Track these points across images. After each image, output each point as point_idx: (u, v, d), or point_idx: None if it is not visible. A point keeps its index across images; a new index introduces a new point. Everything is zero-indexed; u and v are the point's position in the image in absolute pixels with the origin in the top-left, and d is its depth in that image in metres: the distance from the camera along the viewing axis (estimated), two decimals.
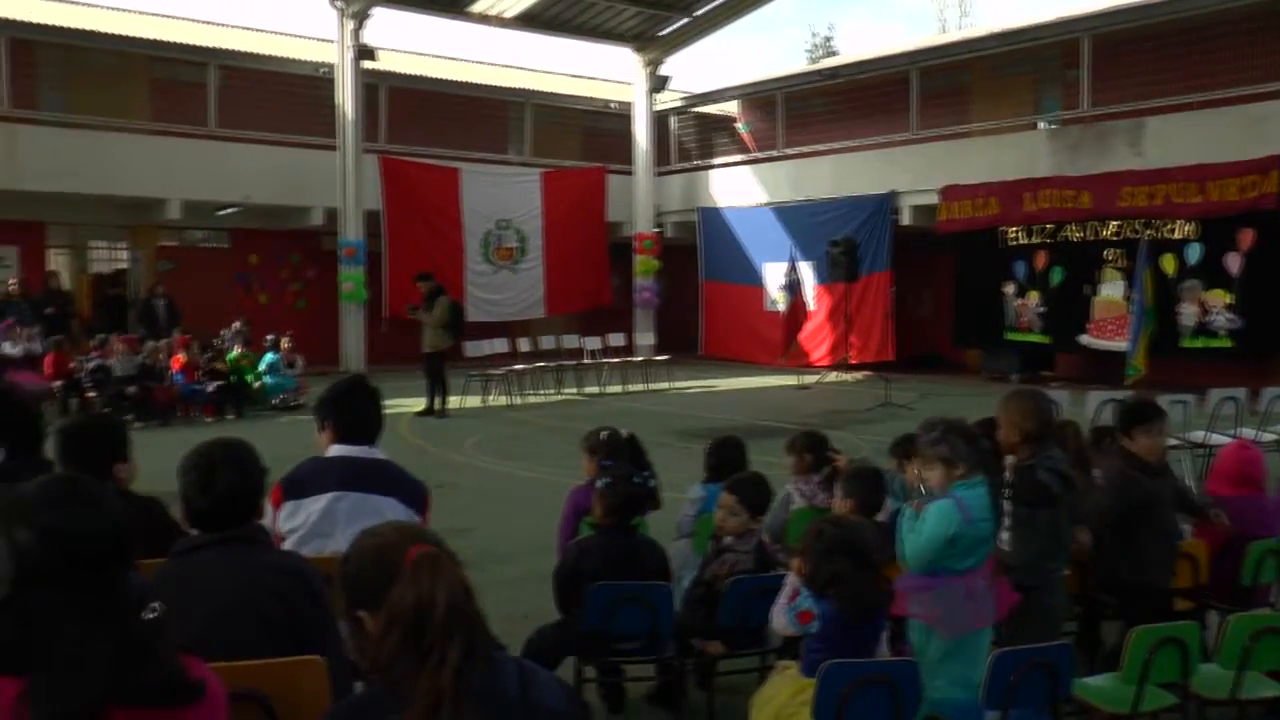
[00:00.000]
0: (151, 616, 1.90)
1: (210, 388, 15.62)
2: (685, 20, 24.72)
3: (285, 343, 16.99)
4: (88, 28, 20.43)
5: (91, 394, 14.92)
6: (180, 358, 15.72)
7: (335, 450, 3.86)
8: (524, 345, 19.57)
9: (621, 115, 26.01)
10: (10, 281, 17.98)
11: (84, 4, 22.51)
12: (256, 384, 16.40)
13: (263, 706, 2.64)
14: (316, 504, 3.71)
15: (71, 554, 1.82)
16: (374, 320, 21.49)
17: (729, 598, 4.48)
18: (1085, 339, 18.71)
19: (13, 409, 3.35)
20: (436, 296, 16.05)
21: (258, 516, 3.02)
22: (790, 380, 19.77)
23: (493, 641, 1.98)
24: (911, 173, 20.87)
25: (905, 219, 21.18)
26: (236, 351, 16.57)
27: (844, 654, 3.40)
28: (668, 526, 5.61)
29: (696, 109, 27.07)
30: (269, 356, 16.67)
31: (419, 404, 15.29)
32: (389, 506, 3.73)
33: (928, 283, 22.68)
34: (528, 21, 24.17)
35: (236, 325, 17.64)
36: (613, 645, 4.51)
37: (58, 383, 15.02)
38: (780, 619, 3.64)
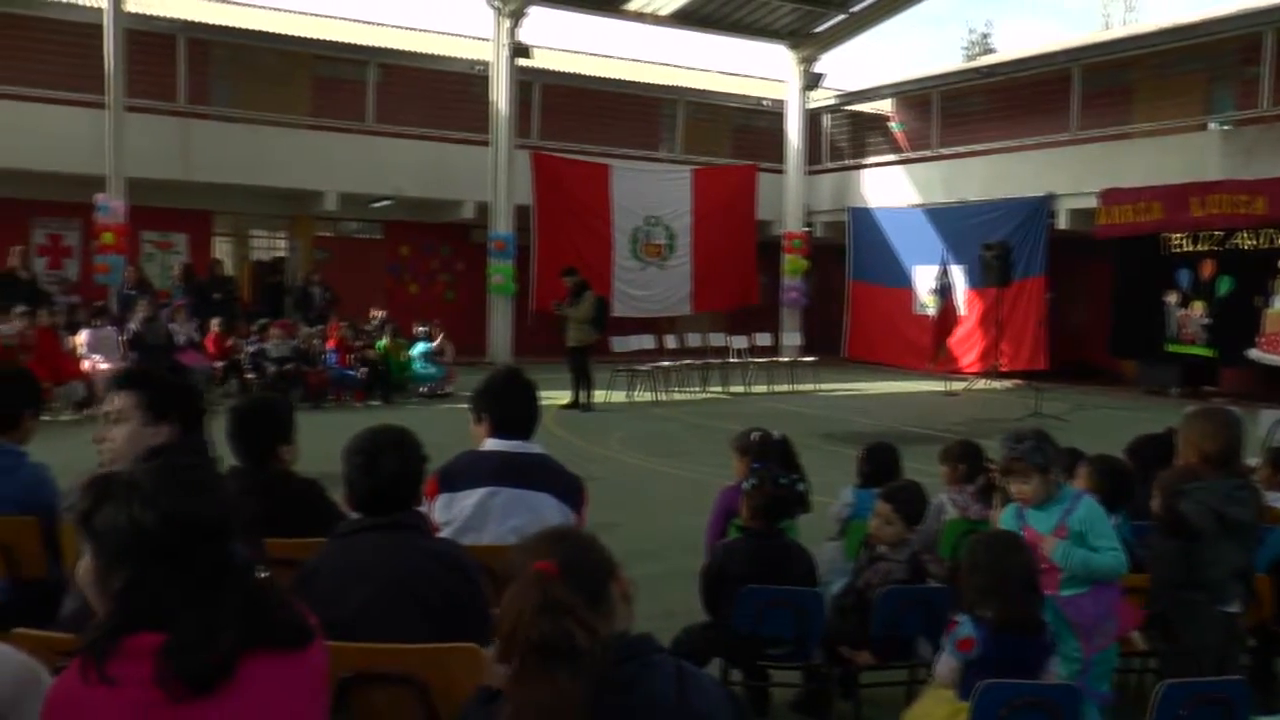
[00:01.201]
0: (264, 576, 2.06)
1: (360, 373, 16.04)
2: (841, 17, 24.38)
3: (437, 332, 17.32)
4: (257, 28, 21.31)
5: (250, 375, 15.48)
6: (335, 339, 16.21)
7: (490, 444, 3.86)
8: (670, 342, 19.58)
9: (773, 113, 25.83)
10: (179, 265, 18.90)
11: (254, 6, 23.37)
12: (405, 371, 16.76)
13: (419, 690, 2.67)
14: (470, 498, 3.72)
15: (187, 532, 1.94)
16: (521, 313, 21.79)
17: (880, 607, 4.37)
18: (1254, 353, 17.77)
19: (180, 389, 3.46)
20: (582, 292, 16.17)
21: (418, 503, 3.06)
22: (938, 386, 19.34)
23: (650, 644, 2.01)
24: (1070, 175, 20.19)
25: (1062, 223, 20.50)
26: (387, 339, 16.97)
27: (1004, 675, 3.26)
28: (816, 531, 5.51)
29: (849, 107, 26.71)
30: (420, 345, 17.02)
31: (564, 397, 15.44)
32: (544, 503, 3.74)
33: (1083, 289, 21.93)
34: (683, 19, 24.16)
35: (381, 314, 18.06)
36: (761, 649, 4.45)
37: (219, 363, 15.64)
38: (944, 665, 3.51)
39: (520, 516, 3.70)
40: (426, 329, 17.32)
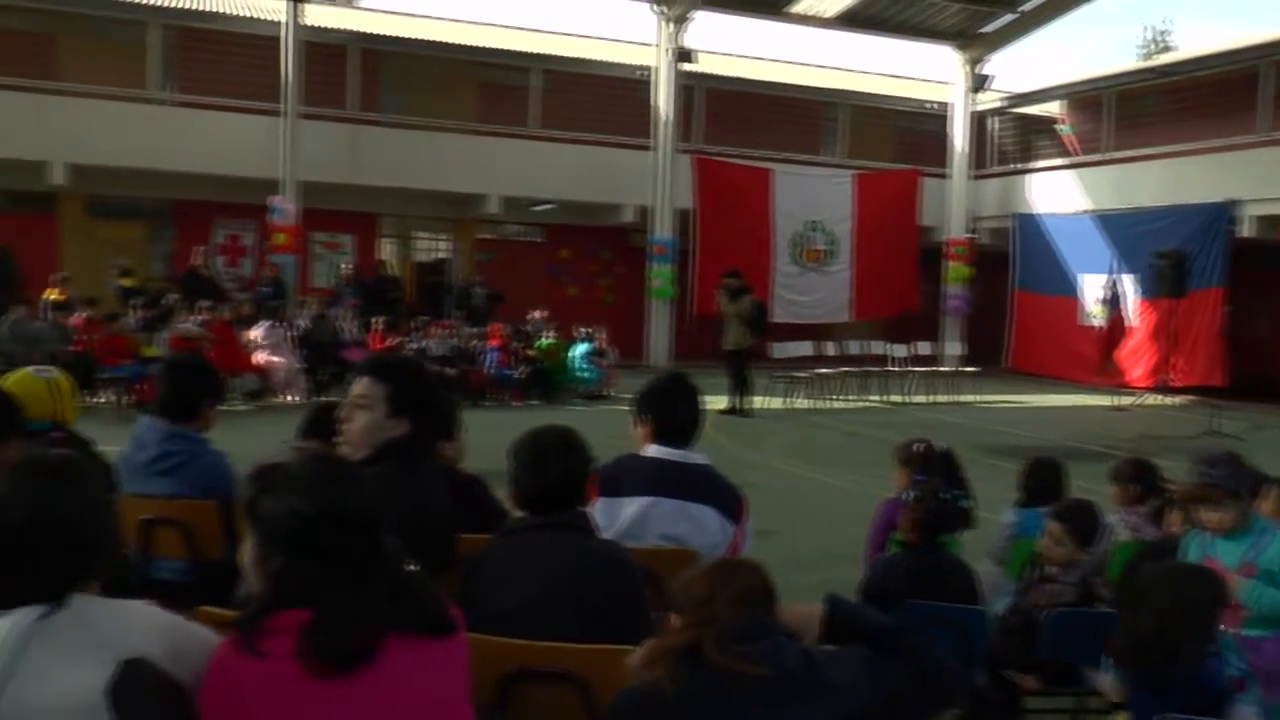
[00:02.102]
0: (412, 568, 2.12)
1: (520, 373, 16.29)
2: (1011, 17, 23.76)
3: (599, 334, 17.47)
4: (425, 38, 21.94)
5: None
6: (498, 339, 16.50)
7: (652, 450, 3.80)
8: (830, 349, 19.39)
9: (938, 116, 25.33)
10: (345, 265, 19.57)
11: (422, 17, 24.07)
12: (565, 373, 16.93)
13: (580, 689, 2.67)
14: (631, 506, 3.67)
15: (340, 524, 2.03)
16: (680, 317, 21.84)
17: (1048, 630, 4.20)
18: None
19: (428, 388, 3.50)
20: (741, 295, 16.10)
21: (584, 503, 3.06)
22: (1105, 400, 18.64)
23: (774, 627, 2.25)
24: (1255, 179, 19.12)
25: (1245, 230, 19.47)
26: (547, 339, 17.18)
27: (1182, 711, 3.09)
28: (978, 548, 5.34)
29: (1017, 109, 25.97)
30: (581, 346, 17.19)
31: (722, 402, 15.40)
32: (705, 515, 3.68)
33: (1268, 301, 20.85)
34: (848, 21, 23.89)
35: (537, 316, 18.30)
36: None
37: None
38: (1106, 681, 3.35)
39: (681, 528, 3.65)
40: (589, 331, 17.48)
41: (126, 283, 17.25)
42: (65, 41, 20.79)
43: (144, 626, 1.97)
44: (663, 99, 21.45)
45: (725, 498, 3.77)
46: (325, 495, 2.05)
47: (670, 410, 3.86)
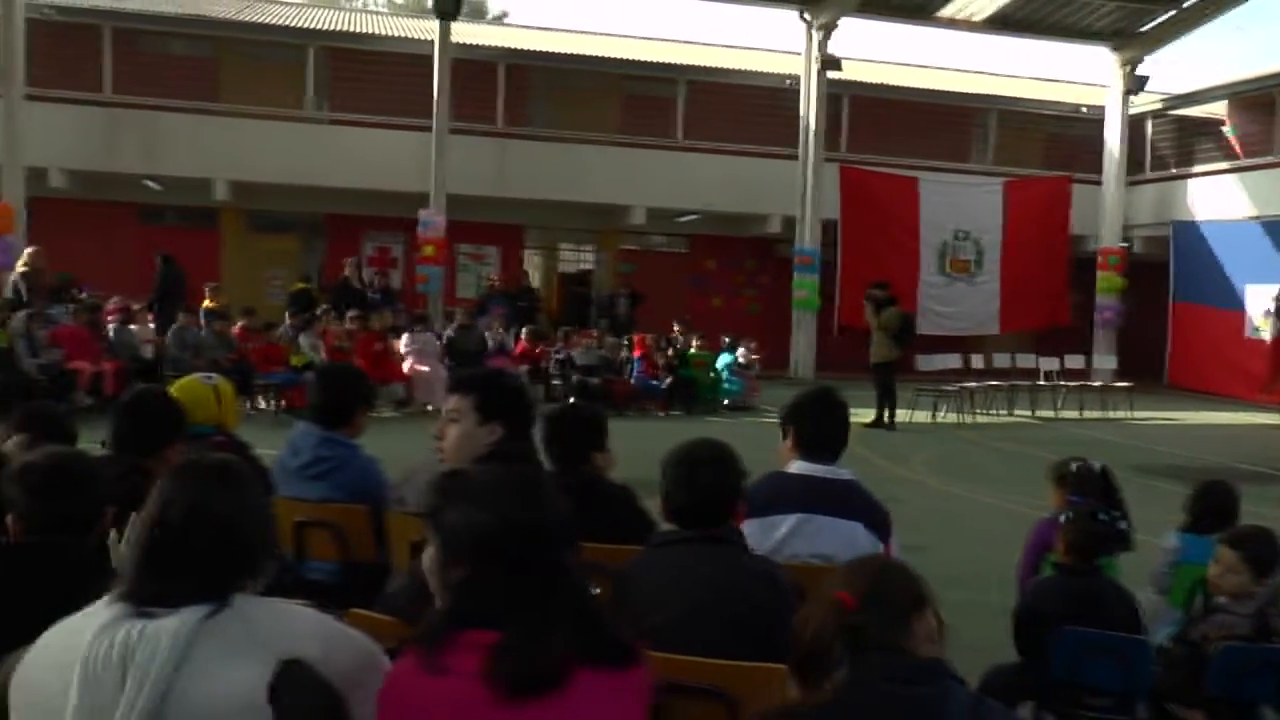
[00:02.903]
0: (596, 593, 2.13)
1: (664, 383, 16.30)
2: (1170, 14, 22.83)
3: (746, 345, 17.37)
4: (571, 52, 22.20)
5: (556, 382, 16.05)
6: (642, 349, 16.56)
7: (798, 466, 3.77)
8: (977, 362, 18.92)
9: (1091, 120, 24.50)
10: (491, 276, 19.93)
11: (568, 31, 24.40)
12: (710, 383, 16.84)
13: (728, 706, 2.63)
14: (782, 525, 3.64)
15: (523, 538, 2.02)
16: (825, 328, 21.62)
17: (1218, 664, 3.98)
18: None
19: (511, 392, 3.61)
20: (887, 306, 15.85)
21: (736, 518, 3.02)
22: (1273, 419, 17.76)
23: (943, 669, 2.00)
24: None
25: None
26: (693, 349, 17.16)
27: None
28: (1136, 572, 5.11)
29: (1175, 111, 24.95)
30: (726, 357, 17.11)
31: (866, 415, 15.14)
32: (855, 531, 3.64)
33: None
34: (998, 23, 23.33)
35: (684, 325, 18.30)
36: (1079, 699, 4.15)
37: (526, 369, 16.28)
38: None
39: (832, 544, 3.61)
40: (735, 341, 17.40)
41: (299, 286, 17.77)
42: (227, 65, 21.76)
43: (303, 628, 2.02)
44: (810, 108, 21.27)
45: (873, 513, 3.73)
46: (508, 508, 2.05)
47: (817, 425, 3.83)
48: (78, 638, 1.90)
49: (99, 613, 1.94)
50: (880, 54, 36.33)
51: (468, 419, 3.39)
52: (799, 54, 21.67)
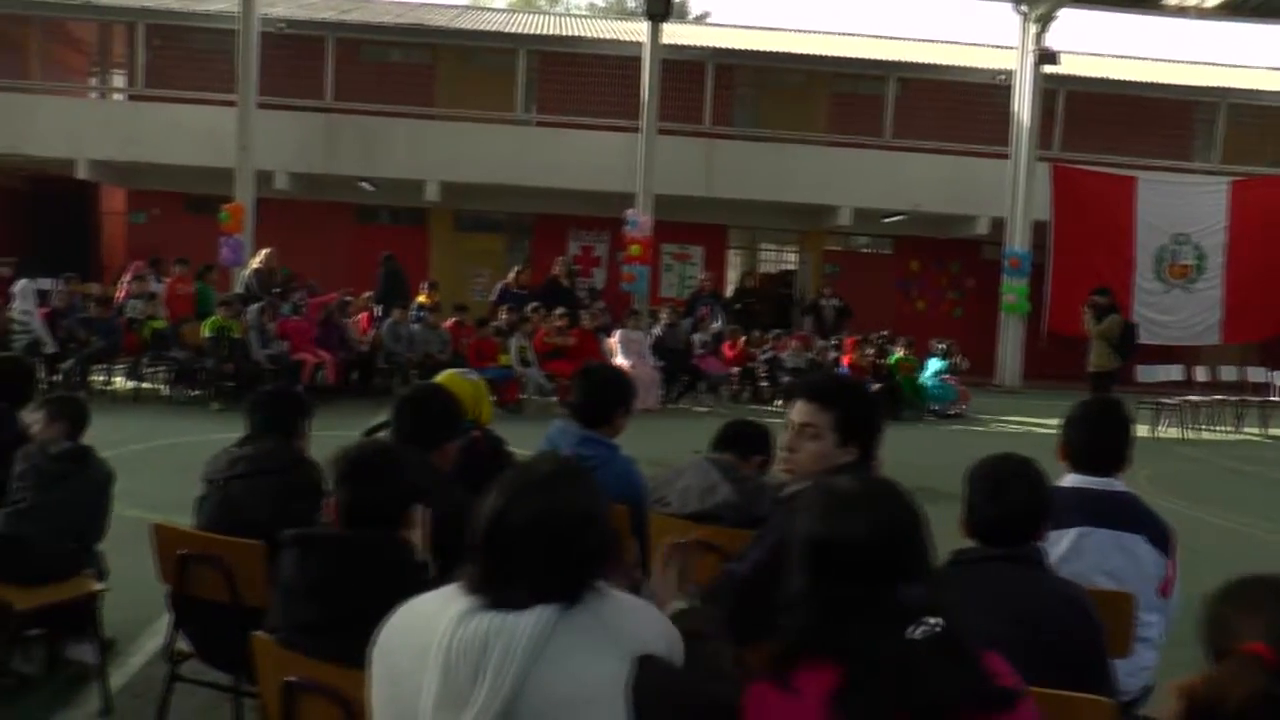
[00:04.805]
0: (936, 630, 1.91)
1: (871, 388, 15.96)
2: None
3: (956, 352, 17.00)
4: (779, 50, 22.02)
5: (764, 383, 15.94)
6: (850, 356, 16.29)
7: (1071, 479, 3.63)
8: (1200, 374, 17.95)
9: None
10: (702, 276, 19.99)
11: (776, 30, 24.23)
12: (917, 389, 16.44)
13: None
14: (1063, 540, 3.50)
15: (838, 553, 1.94)
16: (1033, 334, 20.89)
17: None
18: None
19: (873, 413, 3.32)
20: (1109, 313, 15.18)
21: (1040, 538, 2.87)
22: None
23: None
24: None
25: None
26: (900, 354, 16.82)
27: None
28: None
29: None
30: (934, 362, 16.72)
31: None
32: (1137, 546, 3.50)
33: None
34: (1232, 9, 21.86)
35: (886, 333, 17.95)
36: None
37: (735, 370, 16.25)
38: None
39: (1116, 560, 3.48)
40: (944, 346, 16.99)
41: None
42: (443, 72, 22.48)
43: (652, 625, 2.03)
44: (1023, 104, 20.56)
45: (1155, 528, 3.57)
46: (827, 520, 1.98)
47: (1098, 437, 3.69)
48: (431, 622, 1.95)
49: (451, 600, 1.98)
50: (1098, 47, 34.88)
51: (827, 437, 3.05)
52: (1013, 48, 20.97)
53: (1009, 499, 2.82)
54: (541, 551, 1.95)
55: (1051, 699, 2.52)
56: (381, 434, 4.03)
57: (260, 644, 2.73)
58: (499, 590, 1.94)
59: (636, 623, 2.00)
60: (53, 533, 4.45)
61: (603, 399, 4.27)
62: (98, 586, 4.64)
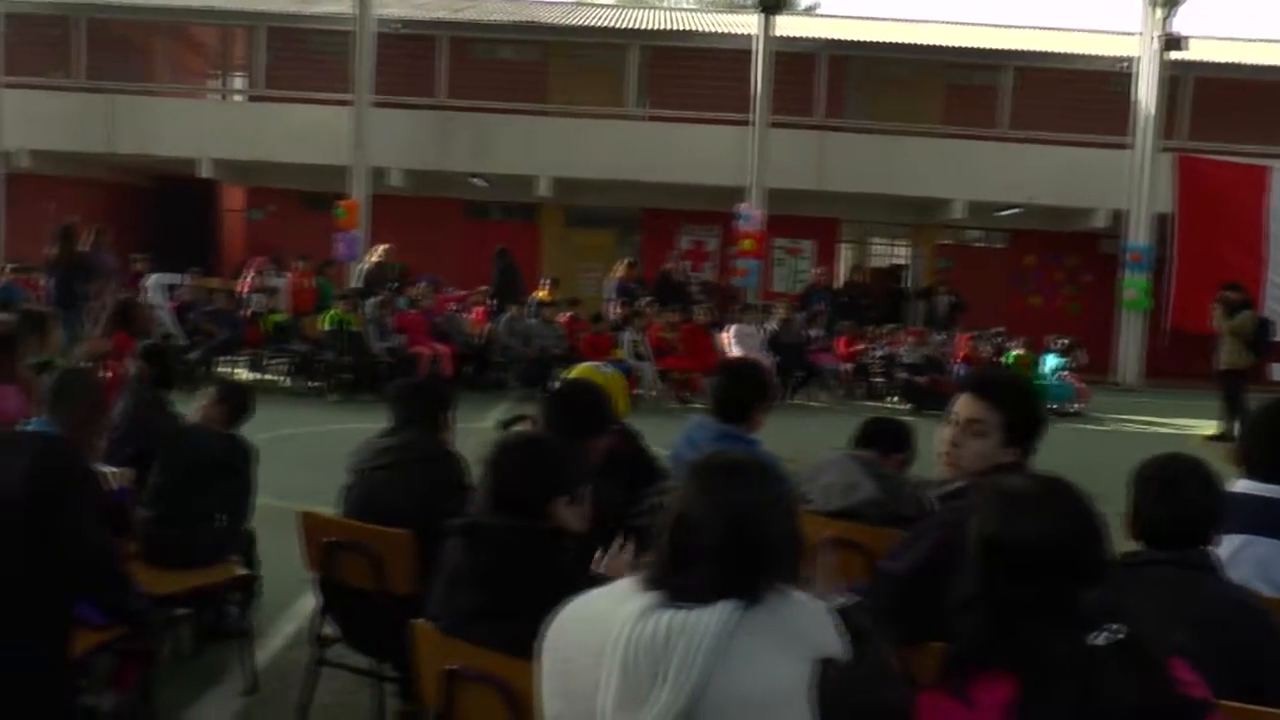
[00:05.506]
0: (1119, 637, 1.86)
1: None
2: None
3: (1075, 348, 16.59)
4: (892, 40, 21.70)
5: (878, 379, 15.76)
6: (964, 352, 16.02)
7: (1243, 485, 3.47)
8: None
9: None
10: (817, 271, 19.87)
11: (889, 20, 23.91)
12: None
13: None
14: (1224, 547, 3.33)
15: (1011, 555, 1.91)
16: (1154, 331, 20.24)
17: None
18: None
19: (1040, 415, 3.22)
20: (1240, 309, 14.65)
21: (1211, 541, 2.75)
22: None
23: None
24: None
25: None
26: (1016, 351, 16.47)
27: None
28: None
29: None
30: (1052, 359, 16.32)
31: (1202, 426, 13.95)
32: None
33: None
34: None
35: (1003, 329, 17.60)
36: None
37: (848, 365, 16.08)
38: None
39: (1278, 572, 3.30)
40: (1065, 343, 16.58)
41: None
42: (554, 68, 22.65)
43: (831, 628, 2.00)
44: (1147, 92, 19.90)
45: None
46: (1004, 521, 1.95)
47: (1267, 442, 3.51)
48: (605, 618, 1.94)
49: (627, 597, 1.97)
50: (1228, 30, 33.72)
51: (993, 436, 3.01)
52: (1136, 34, 20.33)
53: (1180, 499, 2.71)
54: (730, 546, 1.93)
55: (1238, 713, 2.42)
56: (517, 427, 4.06)
57: (422, 631, 2.75)
58: (681, 585, 1.92)
59: (817, 624, 1.98)
60: (202, 516, 4.58)
61: (742, 394, 4.25)
62: (243, 572, 4.76)
